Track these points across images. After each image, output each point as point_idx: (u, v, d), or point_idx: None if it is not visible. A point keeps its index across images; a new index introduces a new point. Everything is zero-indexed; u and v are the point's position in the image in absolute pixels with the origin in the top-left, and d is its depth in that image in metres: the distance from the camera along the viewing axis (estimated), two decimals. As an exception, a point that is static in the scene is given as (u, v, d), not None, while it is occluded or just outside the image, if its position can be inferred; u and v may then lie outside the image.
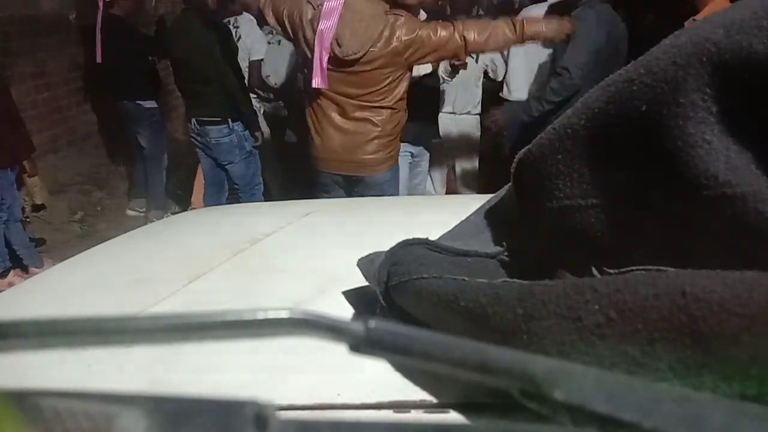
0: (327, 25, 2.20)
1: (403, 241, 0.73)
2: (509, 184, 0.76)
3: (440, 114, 3.34)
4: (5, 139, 3.02)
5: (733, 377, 0.41)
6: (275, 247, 1.07)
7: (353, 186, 2.44)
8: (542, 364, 0.32)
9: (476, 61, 3.38)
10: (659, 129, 0.51)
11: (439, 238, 0.79)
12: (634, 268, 0.52)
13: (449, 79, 3.18)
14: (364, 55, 2.18)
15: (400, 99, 2.31)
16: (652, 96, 0.52)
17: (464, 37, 2.19)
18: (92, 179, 4.81)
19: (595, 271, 0.57)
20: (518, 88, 3.38)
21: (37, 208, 4.02)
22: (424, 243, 0.73)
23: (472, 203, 0.89)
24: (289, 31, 2.35)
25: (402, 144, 2.98)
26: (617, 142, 0.56)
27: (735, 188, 0.45)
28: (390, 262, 0.70)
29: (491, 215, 0.82)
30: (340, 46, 2.19)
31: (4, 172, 3.13)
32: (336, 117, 2.34)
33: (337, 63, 2.23)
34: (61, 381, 0.61)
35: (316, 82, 2.28)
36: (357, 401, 0.59)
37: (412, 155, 3.07)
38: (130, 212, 4.42)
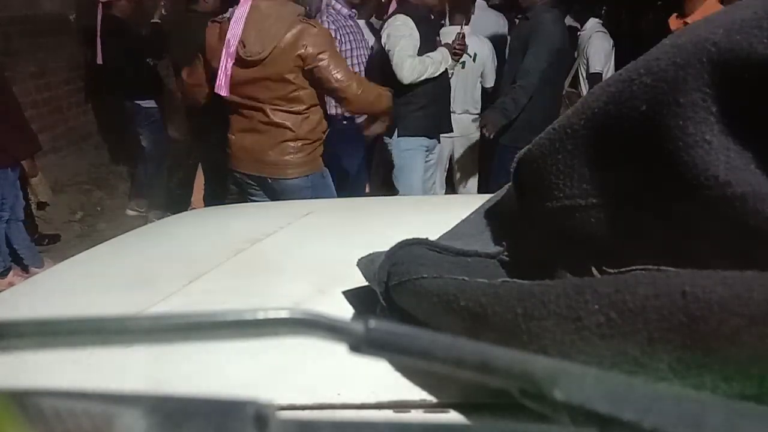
0: (234, 32, 2.21)
1: (403, 241, 0.73)
2: (509, 183, 0.76)
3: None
4: (5, 138, 3.02)
5: (733, 377, 0.41)
6: (275, 247, 1.07)
7: (269, 192, 2.42)
8: (542, 364, 0.32)
9: (474, 60, 3.38)
10: (659, 129, 0.51)
11: (439, 238, 0.79)
12: (634, 268, 0.52)
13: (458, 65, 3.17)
14: (268, 55, 2.17)
15: (311, 106, 2.29)
16: (652, 96, 0.52)
17: (347, 89, 2.19)
18: (92, 179, 4.82)
19: (595, 271, 0.57)
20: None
21: (41, 205, 4.02)
22: (424, 243, 0.73)
23: (472, 203, 0.89)
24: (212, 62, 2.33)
25: (418, 138, 3.00)
26: (617, 142, 0.56)
27: (735, 188, 0.45)
28: (390, 262, 0.70)
29: (491, 215, 0.82)
30: (244, 47, 2.19)
31: (4, 172, 3.13)
32: (248, 117, 2.33)
33: (243, 65, 2.22)
34: (61, 381, 0.61)
35: (219, 89, 2.29)
36: (357, 401, 0.59)
37: (427, 149, 3.09)
38: (130, 212, 4.42)
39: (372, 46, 3.13)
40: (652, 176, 0.52)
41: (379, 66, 2.96)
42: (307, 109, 2.28)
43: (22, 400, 0.30)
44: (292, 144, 2.31)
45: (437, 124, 3.08)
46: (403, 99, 2.91)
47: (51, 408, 0.30)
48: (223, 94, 2.29)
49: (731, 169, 0.46)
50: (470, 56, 3.29)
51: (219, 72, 2.27)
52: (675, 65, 0.51)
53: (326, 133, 2.42)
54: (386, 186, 3.46)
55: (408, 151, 3.03)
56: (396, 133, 3.01)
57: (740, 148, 0.46)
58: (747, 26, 0.46)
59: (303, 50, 2.16)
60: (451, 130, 3.27)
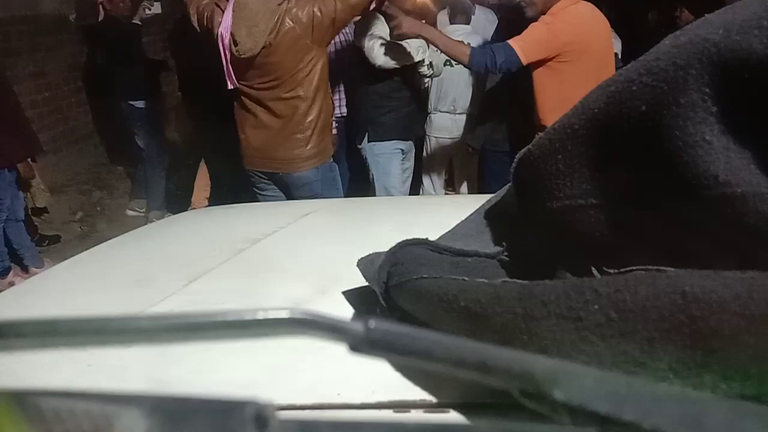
0: (225, 26, 2.22)
1: (403, 241, 0.73)
2: (510, 183, 0.76)
3: (440, 113, 3.34)
4: (2, 139, 3.01)
5: (733, 377, 0.41)
6: (275, 247, 1.07)
7: (280, 184, 2.43)
8: (542, 364, 0.32)
9: None
10: (659, 129, 0.51)
11: (439, 238, 0.79)
12: (634, 268, 0.52)
13: (433, 73, 3.09)
14: (261, 50, 2.18)
15: (317, 88, 2.29)
16: (652, 96, 0.52)
17: None
18: (92, 179, 4.81)
19: (595, 271, 0.57)
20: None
21: (38, 211, 4.00)
22: (424, 243, 0.73)
23: (472, 203, 0.89)
24: (205, 31, 2.35)
25: (391, 142, 2.98)
26: (617, 142, 0.56)
27: (735, 188, 0.45)
28: (390, 262, 0.70)
29: (491, 215, 0.82)
30: (236, 45, 2.19)
31: (1, 173, 3.12)
32: (255, 113, 2.35)
33: (240, 60, 2.24)
34: (61, 381, 0.61)
35: (229, 81, 2.31)
36: (357, 401, 0.59)
37: (402, 151, 3.07)
38: (130, 212, 4.42)
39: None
40: (652, 176, 0.52)
41: (353, 63, 2.90)
42: (311, 92, 2.28)
43: (22, 400, 0.30)
44: (300, 136, 2.31)
45: (411, 126, 3.03)
46: (371, 103, 2.87)
47: (51, 408, 0.30)
48: (230, 86, 2.30)
49: (731, 169, 0.46)
50: None
51: (224, 67, 2.29)
52: (675, 65, 0.51)
53: (333, 117, 2.41)
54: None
55: (382, 156, 2.97)
56: (366, 139, 2.95)
57: (740, 148, 0.46)
58: (747, 26, 0.46)
59: (295, 25, 2.18)
60: (423, 132, 3.26)
